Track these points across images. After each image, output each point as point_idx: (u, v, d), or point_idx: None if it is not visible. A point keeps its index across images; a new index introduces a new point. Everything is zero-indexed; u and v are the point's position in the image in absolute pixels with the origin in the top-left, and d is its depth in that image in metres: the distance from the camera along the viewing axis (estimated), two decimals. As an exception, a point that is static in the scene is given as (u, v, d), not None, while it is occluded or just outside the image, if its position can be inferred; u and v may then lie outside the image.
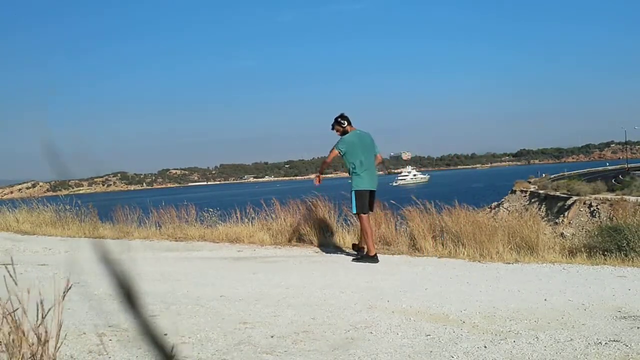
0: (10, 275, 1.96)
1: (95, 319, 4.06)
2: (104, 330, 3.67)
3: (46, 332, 1.85)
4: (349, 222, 8.52)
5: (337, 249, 7.86)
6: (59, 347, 1.96)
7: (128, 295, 0.73)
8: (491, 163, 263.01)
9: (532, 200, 50.09)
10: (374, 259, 6.92)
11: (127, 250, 8.10)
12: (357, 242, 7.53)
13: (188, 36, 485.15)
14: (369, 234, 7.00)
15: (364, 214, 7.02)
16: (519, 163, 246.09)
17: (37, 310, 1.96)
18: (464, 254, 7.11)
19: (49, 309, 1.95)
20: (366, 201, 7.04)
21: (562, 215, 41.91)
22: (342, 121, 7.21)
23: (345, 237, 8.18)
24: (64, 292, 1.80)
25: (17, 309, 1.89)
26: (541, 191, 53.44)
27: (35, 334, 1.80)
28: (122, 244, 8.88)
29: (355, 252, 7.33)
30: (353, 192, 7.07)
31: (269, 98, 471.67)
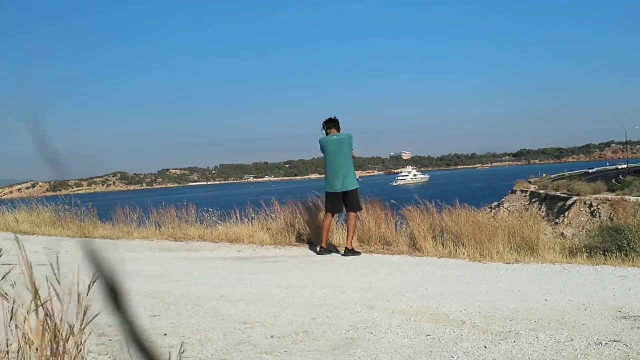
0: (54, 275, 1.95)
1: (96, 318, 4.06)
2: (104, 330, 3.66)
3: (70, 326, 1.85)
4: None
5: (337, 249, 7.85)
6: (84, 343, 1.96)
7: (114, 297, 0.71)
8: (491, 163, 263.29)
9: (533, 200, 50.09)
10: (322, 251, 7.57)
11: (116, 250, 8.10)
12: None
13: (187, 37, 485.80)
14: (323, 229, 7.64)
15: (326, 212, 7.65)
16: (519, 163, 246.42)
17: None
18: (464, 254, 7.10)
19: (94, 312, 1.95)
20: (329, 202, 7.60)
21: (562, 216, 41.94)
22: (323, 128, 7.75)
23: (345, 238, 8.16)
24: (89, 286, 1.79)
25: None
26: (542, 191, 53.48)
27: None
28: (113, 244, 8.89)
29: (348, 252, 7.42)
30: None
31: (269, 98, 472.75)
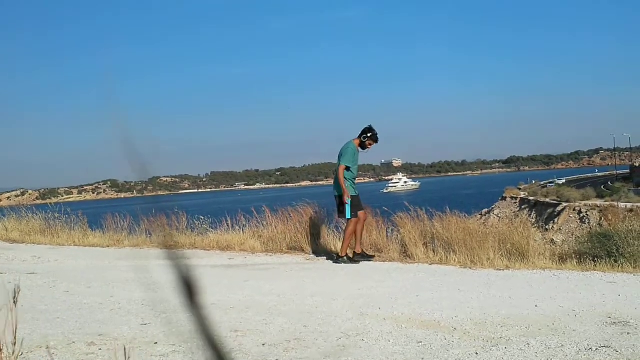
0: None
1: (86, 327, 4.03)
2: (93, 339, 3.64)
3: None
4: (340, 229, 8.51)
5: (329, 256, 7.85)
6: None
7: (190, 292, 0.73)
8: (481, 170, 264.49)
9: (523, 206, 50.38)
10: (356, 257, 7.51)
11: (107, 258, 8.05)
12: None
13: (178, 43, 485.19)
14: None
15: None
16: (509, 170, 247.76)
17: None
18: (455, 260, 7.12)
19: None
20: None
21: (552, 222, 42.13)
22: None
23: (337, 244, 8.16)
24: (14, 298, 1.76)
25: None
26: (531, 198, 53.77)
27: None
28: (103, 252, 8.83)
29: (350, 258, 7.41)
30: None
31: (260, 105, 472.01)
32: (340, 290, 5.58)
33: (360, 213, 7.54)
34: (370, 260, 7.45)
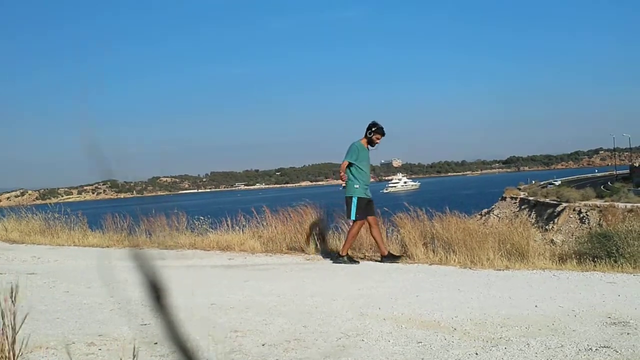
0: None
1: (85, 327, 4.03)
2: (93, 339, 3.64)
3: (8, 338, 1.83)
4: (340, 229, 8.52)
5: (329, 256, 7.85)
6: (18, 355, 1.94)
7: (157, 295, 0.73)
8: (481, 170, 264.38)
9: (522, 207, 50.41)
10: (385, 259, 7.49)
11: (107, 258, 8.05)
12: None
13: (177, 44, 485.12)
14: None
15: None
16: (508, 170, 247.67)
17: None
18: (454, 260, 7.12)
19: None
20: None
21: (552, 222, 42.15)
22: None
23: (337, 245, 8.16)
24: (12, 297, 1.76)
25: None
26: (531, 198, 53.78)
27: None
28: (104, 252, 8.83)
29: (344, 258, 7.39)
30: None
31: (260, 105, 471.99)
32: (340, 290, 5.58)
33: (371, 218, 7.50)
34: (397, 262, 7.33)
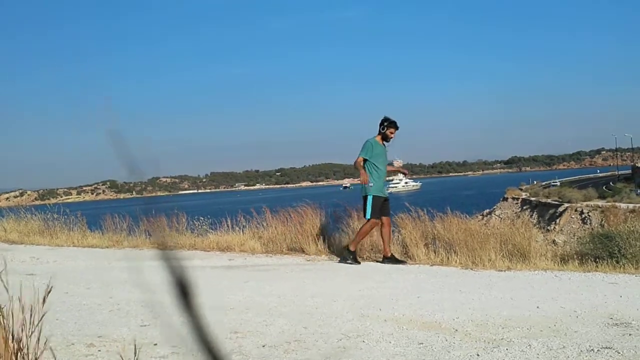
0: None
1: (85, 329, 4.01)
2: (92, 340, 3.62)
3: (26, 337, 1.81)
4: (340, 229, 8.49)
5: (329, 257, 7.83)
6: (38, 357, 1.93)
7: (184, 294, 0.72)
8: (483, 170, 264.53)
9: (524, 207, 50.39)
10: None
11: (106, 259, 8.03)
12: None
13: (176, 44, 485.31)
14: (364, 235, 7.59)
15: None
16: (510, 170, 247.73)
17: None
18: (456, 261, 7.10)
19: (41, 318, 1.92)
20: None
21: (553, 223, 42.13)
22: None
23: (337, 245, 8.14)
24: (43, 297, 1.76)
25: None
26: (533, 198, 53.74)
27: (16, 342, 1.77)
28: (103, 253, 8.80)
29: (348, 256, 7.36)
30: None
31: (260, 105, 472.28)
32: (341, 291, 5.56)
33: (385, 218, 7.45)
34: (401, 264, 7.22)
